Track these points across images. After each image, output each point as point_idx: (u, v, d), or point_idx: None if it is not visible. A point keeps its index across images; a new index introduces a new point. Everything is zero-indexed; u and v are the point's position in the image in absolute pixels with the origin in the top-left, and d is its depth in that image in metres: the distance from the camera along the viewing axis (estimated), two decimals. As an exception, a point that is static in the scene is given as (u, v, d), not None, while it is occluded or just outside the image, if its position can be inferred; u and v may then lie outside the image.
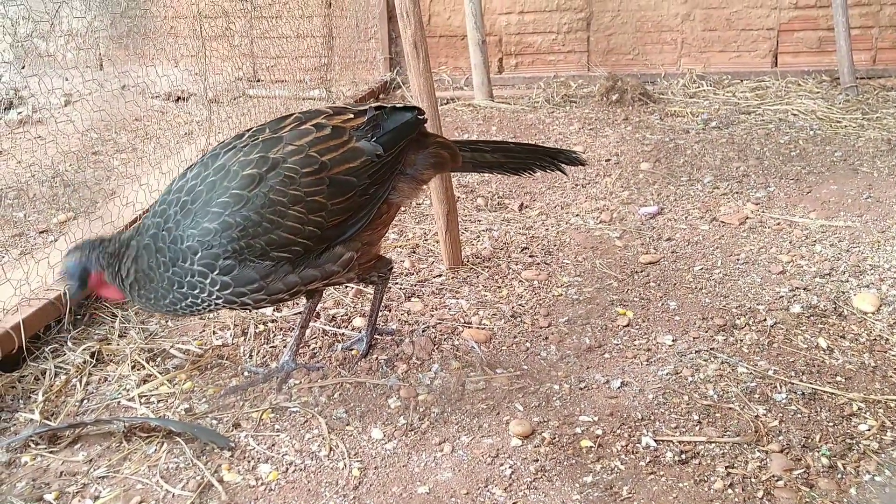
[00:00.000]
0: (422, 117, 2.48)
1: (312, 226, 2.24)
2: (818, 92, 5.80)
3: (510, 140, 2.85)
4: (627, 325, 2.85)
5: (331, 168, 2.26)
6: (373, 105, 2.47)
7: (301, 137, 2.27)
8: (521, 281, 3.20)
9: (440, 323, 2.88)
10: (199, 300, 2.27)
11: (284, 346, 2.71)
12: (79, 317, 2.91)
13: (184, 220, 2.21)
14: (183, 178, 2.31)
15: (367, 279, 2.58)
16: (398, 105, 2.48)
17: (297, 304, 3.00)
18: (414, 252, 3.50)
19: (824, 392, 2.43)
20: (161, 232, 2.24)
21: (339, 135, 2.31)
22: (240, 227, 2.17)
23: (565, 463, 2.15)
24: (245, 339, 2.81)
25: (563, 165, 2.82)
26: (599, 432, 2.26)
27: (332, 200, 2.26)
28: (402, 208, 2.87)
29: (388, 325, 2.83)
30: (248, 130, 2.39)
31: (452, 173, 3.21)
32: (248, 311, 2.40)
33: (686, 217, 3.81)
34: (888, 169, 4.29)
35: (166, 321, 2.95)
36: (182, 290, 2.25)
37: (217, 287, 2.23)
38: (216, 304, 2.30)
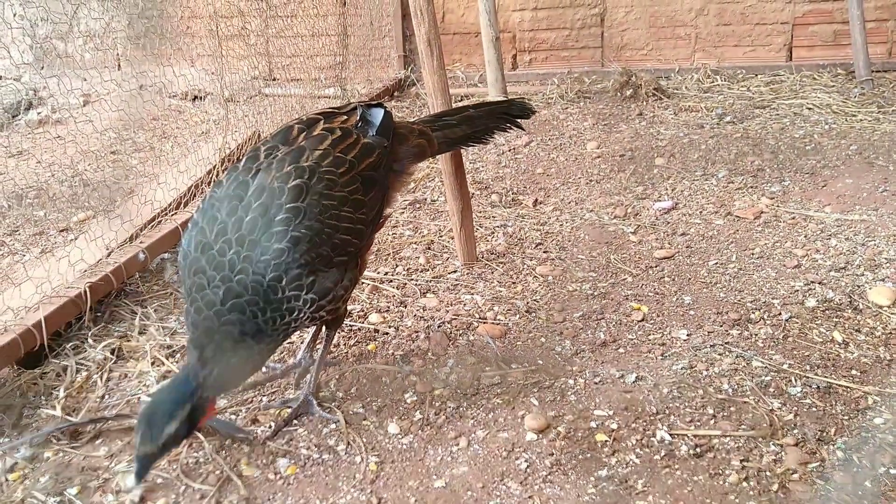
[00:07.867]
0: (389, 111, 2.49)
1: (360, 224, 2.25)
2: (833, 86, 5.77)
3: (469, 105, 2.92)
4: (642, 320, 2.86)
5: (358, 165, 2.27)
6: (352, 103, 2.49)
7: (321, 142, 2.25)
8: (535, 276, 3.22)
9: (455, 318, 2.90)
10: (297, 322, 2.14)
11: (301, 342, 2.73)
12: (99, 314, 2.95)
13: (254, 253, 2.04)
14: (214, 220, 2.09)
15: (337, 321, 2.45)
16: (366, 102, 2.51)
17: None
18: (429, 248, 3.52)
19: (839, 385, 2.43)
20: (233, 282, 2.03)
21: (349, 134, 2.32)
22: (307, 238, 2.09)
23: (580, 457, 2.16)
24: (262, 336, 2.84)
25: (518, 121, 2.97)
26: (614, 426, 2.28)
27: (367, 196, 2.28)
28: (390, 214, 2.94)
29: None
30: (252, 151, 2.27)
31: (455, 168, 3.23)
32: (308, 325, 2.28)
33: (701, 212, 3.81)
34: (904, 162, 4.27)
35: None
36: (284, 319, 2.10)
37: (308, 306, 2.13)
38: (299, 325, 2.18)
